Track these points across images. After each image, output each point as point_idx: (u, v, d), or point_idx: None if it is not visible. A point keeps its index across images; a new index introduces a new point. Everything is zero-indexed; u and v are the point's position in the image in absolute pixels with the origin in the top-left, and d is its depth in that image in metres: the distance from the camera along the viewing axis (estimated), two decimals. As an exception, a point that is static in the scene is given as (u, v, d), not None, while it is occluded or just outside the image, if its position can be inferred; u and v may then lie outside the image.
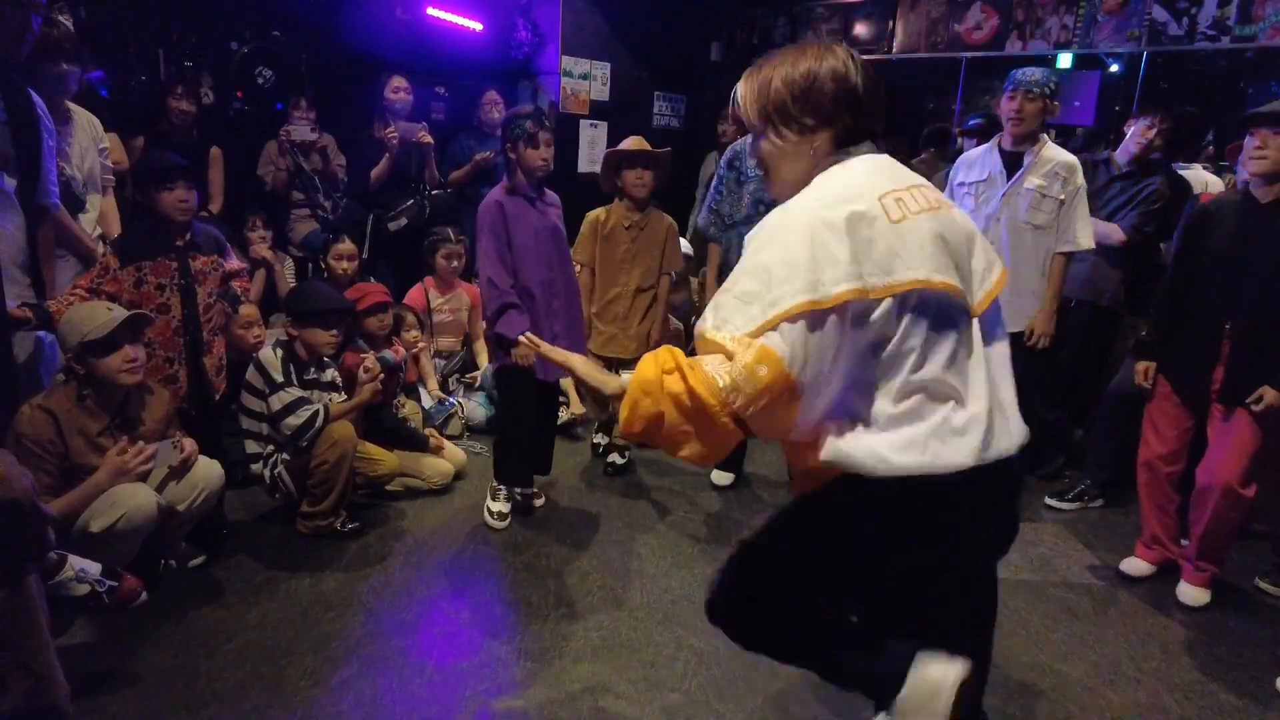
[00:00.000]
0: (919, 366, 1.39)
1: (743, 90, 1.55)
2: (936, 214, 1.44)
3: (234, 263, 3.13)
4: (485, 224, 3.04)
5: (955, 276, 1.41)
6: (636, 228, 3.69)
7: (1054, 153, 3.20)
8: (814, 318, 1.32)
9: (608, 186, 3.73)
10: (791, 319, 1.32)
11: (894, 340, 1.38)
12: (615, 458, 3.85)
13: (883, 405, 1.39)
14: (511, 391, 3.21)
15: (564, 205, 3.30)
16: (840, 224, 1.34)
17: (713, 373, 1.34)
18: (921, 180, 1.50)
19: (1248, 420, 2.75)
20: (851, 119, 1.47)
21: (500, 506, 3.28)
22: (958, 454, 1.38)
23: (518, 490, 3.37)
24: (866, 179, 1.43)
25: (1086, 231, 3.23)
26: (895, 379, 1.39)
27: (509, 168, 3.08)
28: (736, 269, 1.42)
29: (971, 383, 1.43)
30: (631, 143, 3.68)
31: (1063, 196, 3.16)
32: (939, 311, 1.40)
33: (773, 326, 1.33)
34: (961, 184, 3.38)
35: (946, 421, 1.39)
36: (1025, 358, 3.31)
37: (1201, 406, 2.92)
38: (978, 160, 3.36)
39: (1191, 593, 2.95)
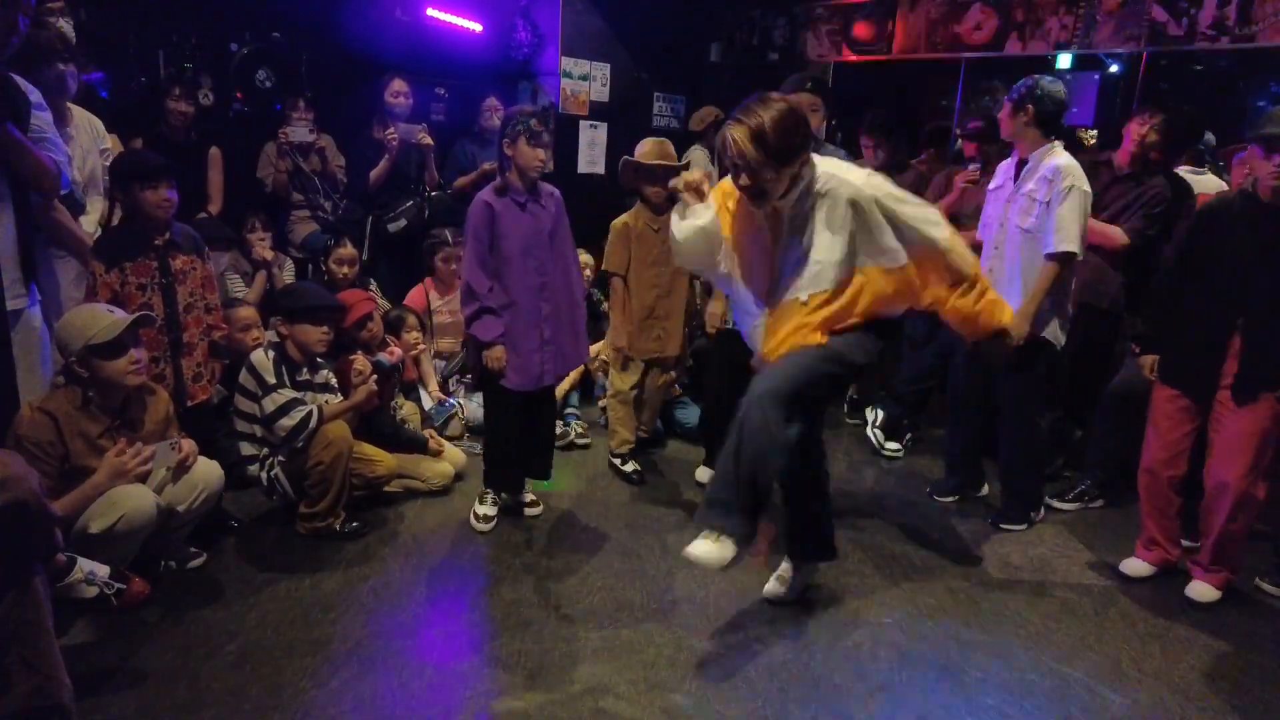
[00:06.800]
0: None
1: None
2: None
3: (209, 269, 3.05)
4: (470, 225, 3.00)
5: None
6: (662, 228, 3.63)
7: (1050, 158, 3.19)
8: None
9: (628, 187, 3.69)
10: None
11: None
12: (633, 465, 3.83)
13: None
14: (494, 396, 3.17)
15: (565, 206, 3.27)
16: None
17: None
18: None
19: (1255, 417, 2.76)
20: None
21: (486, 510, 3.26)
22: None
23: (503, 494, 3.34)
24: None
25: (1059, 235, 3.12)
26: None
27: (503, 165, 3.02)
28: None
29: None
30: (652, 149, 3.59)
31: (1048, 199, 3.15)
32: None
33: None
34: (991, 189, 3.49)
35: None
36: (1023, 362, 3.30)
37: (1204, 408, 2.92)
38: (1004, 167, 3.45)
39: (1202, 589, 2.95)
